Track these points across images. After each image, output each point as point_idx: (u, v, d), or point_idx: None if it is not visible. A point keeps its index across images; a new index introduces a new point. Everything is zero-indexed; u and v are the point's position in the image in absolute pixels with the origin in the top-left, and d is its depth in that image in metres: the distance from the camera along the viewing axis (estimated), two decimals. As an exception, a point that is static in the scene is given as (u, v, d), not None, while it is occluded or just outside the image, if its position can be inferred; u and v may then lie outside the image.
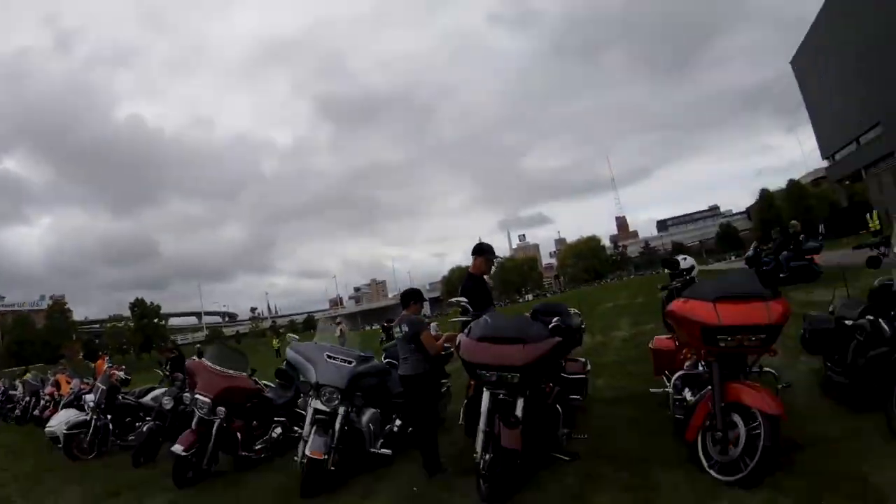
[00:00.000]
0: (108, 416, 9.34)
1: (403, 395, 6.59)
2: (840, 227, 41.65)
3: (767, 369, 5.48)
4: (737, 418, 4.34)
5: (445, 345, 6.24)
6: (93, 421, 9.18)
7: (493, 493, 4.72)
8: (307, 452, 5.72)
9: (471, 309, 5.69)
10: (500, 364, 4.87)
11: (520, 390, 4.97)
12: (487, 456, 4.85)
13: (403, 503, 5.21)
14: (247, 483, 6.53)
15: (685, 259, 6.80)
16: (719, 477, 4.30)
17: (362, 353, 6.78)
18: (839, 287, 5.90)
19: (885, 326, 4.71)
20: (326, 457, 5.76)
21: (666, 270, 6.41)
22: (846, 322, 5.46)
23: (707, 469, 4.41)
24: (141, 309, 77.61)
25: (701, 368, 5.21)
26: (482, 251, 6.53)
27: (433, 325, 6.62)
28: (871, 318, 4.98)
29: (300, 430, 6.31)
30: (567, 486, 4.85)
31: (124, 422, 9.58)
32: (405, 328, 5.84)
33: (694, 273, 6.55)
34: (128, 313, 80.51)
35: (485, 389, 5.06)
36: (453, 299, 6.09)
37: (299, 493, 5.71)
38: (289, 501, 5.74)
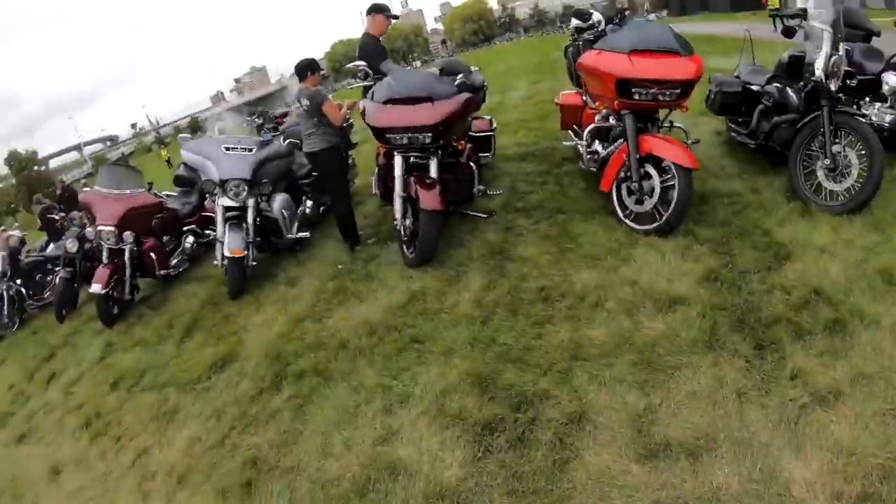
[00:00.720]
0: (18, 282, 8.88)
1: (312, 174, 6.61)
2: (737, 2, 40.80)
3: (678, 125, 5.75)
4: (651, 170, 4.64)
5: (347, 112, 5.96)
6: (3, 292, 8.64)
7: (419, 256, 4.95)
8: (225, 252, 5.70)
9: (370, 72, 5.54)
10: (410, 125, 4.78)
11: (433, 151, 5.00)
12: (408, 221, 5.03)
13: (332, 283, 5.37)
14: (174, 300, 6.58)
15: (594, 13, 6.68)
16: (635, 226, 4.72)
17: (261, 139, 6.50)
18: (746, 53, 6.10)
19: (793, 95, 5.05)
20: (246, 252, 5.80)
21: (574, 23, 6.24)
22: (752, 87, 5.74)
23: (622, 219, 4.82)
24: (17, 161, 72.57)
25: (612, 122, 5.25)
26: (379, 9, 6.10)
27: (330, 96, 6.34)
28: (779, 86, 5.33)
29: (213, 233, 6.18)
30: (488, 241, 5.15)
31: (35, 280, 9.19)
32: (305, 102, 5.52)
33: (603, 27, 6.47)
34: (5, 171, 75.27)
35: (396, 154, 5.01)
36: (351, 64, 5.85)
37: (228, 294, 5.82)
38: (219, 307, 5.87)
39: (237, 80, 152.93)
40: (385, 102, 4.91)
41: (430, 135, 4.78)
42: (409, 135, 4.81)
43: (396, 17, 6.53)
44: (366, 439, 3.18)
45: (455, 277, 4.69)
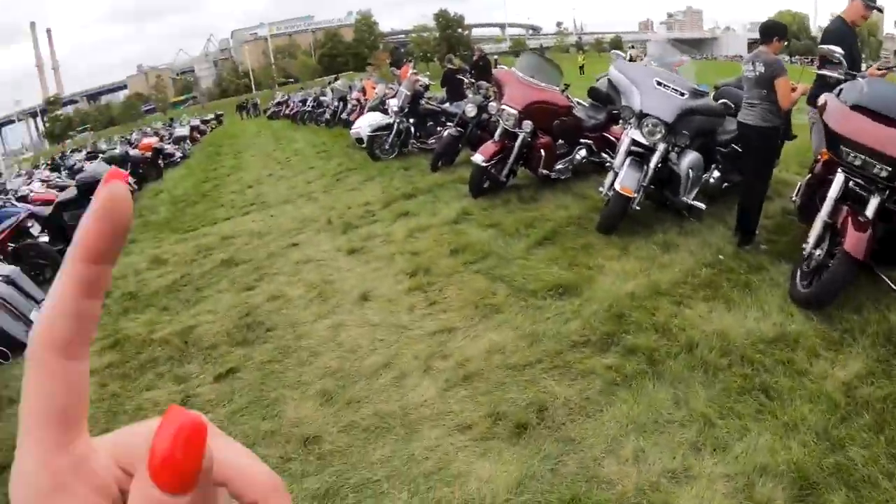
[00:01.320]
0: (411, 121, 10.56)
1: (733, 145, 6.19)
2: None
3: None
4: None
5: (797, 97, 5.37)
6: (395, 124, 10.48)
7: (814, 296, 4.26)
8: (616, 186, 5.65)
9: (846, 63, 4.79)
10: (875, 149, 4.04)
11: (882, 188, 4.15)
12: (819, 251, 4.35)
13: (706, 270, 5.01)
14: (543, 203, 6.89)
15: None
16: None
17: (697, 87, 6.24)
18: None
19: None
20: (636, 195, 5.66)
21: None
22: None
23: None
24: (445, 20, 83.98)
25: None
26: None
27: None
28: None
29: (607, 158, 6.38)
30: (889, 322, 4.08)
31: (426, 126, 10.83)
32: (760, 68, 5.08)
33: None
34: (433, 24, 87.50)
35: (839, 171, 4.34)
36: (823, 46, 5.17)
37: (598, 226, 5.83)
38: (583, 232, 5.91)
39: (670, 15, 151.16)
40: (854, 108, 4.23)
41: (891, 169, 3.99)
42: (867, 158, 4.07)
43: (880, 10, 5.67)
44: (657, 463, 2.88)
45: (836, 343, 3.89)
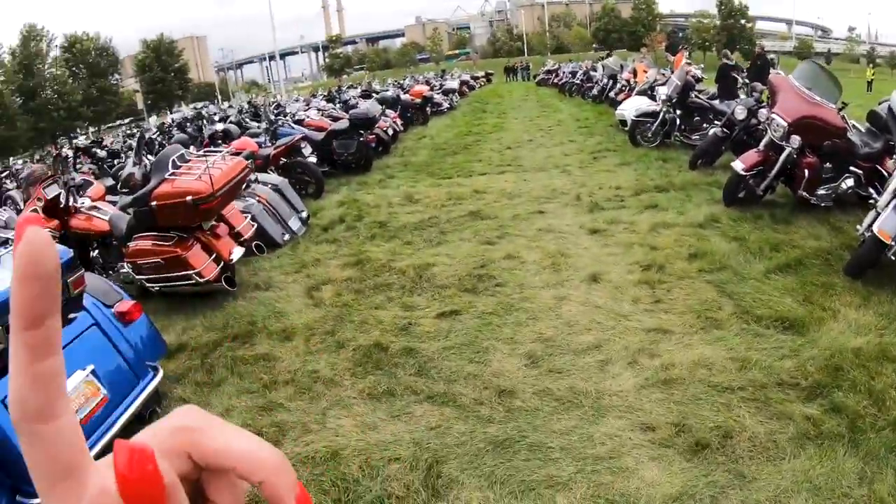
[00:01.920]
0: (677, 112, 10.34)
1: None
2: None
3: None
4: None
5: None
6: (661, 113, 10.31)
7: None
8: (874, 227, 4.99)
9: None
10: None
11: None
12: None
13: None
14: (794, 226, 6.43)
15: None
16: None
17: None
18: None
19: None
20: (894, 243, 5.23)
21: None
22: None
23: None
24: (727, 8, 79.05)
25: None
26: None
27: None
28: None
29: (873, 193, 5.87)
30: None
31: (691, 121, 10.54)
32: None
33: None
34: (714, 11, 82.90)
35: None
36: None
37: (845, 267, 5.21)
38: (830, 270, 5.30)
39: None
40: None
41: None
42: None
43: None
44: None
45: None
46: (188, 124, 20.60)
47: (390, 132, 13.76)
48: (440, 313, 4.72)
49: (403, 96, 18.29)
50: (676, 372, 3.66)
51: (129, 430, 3.55)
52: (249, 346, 4.78)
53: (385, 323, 4.70)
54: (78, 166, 14.78)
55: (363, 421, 3.58)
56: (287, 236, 7.17)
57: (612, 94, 17.16)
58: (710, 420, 3.24)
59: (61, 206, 6.96)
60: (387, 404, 3.70)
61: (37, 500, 2.99)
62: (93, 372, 3.43)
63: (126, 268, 5.95)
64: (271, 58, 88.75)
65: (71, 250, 3.49)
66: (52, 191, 7.00)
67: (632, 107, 11.42)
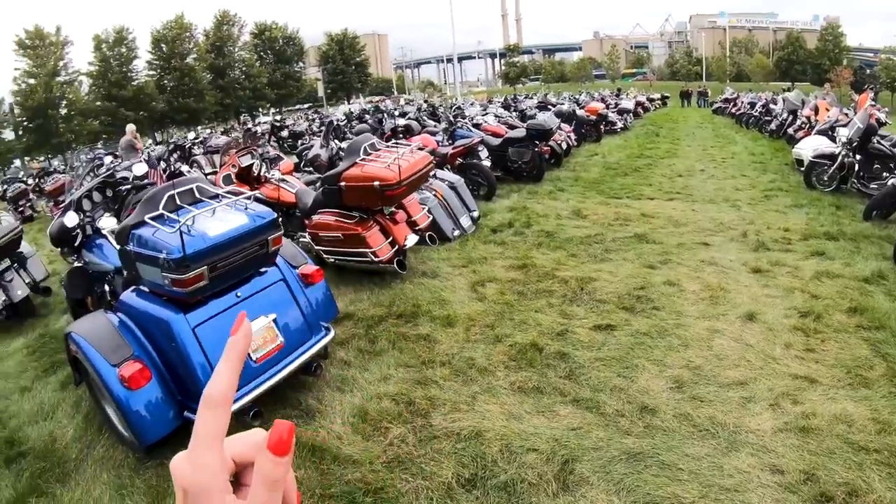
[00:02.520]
0: (857, 157, 9.67)
1: None
2: None
3: None
4: None
5: None
6: (840, 156, 9.72)
7: None
8: None
9: None
10: None
11: None
12: None
13: None
14: None
15: None
16: None
17: None
18: None
19: None
20: None
21: None
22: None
23: None
24: None
25: None
26: None
27: None
28: None
29: None
30: None
31: (871, 168, 9.85)
32: None
33: None
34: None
35: None
36: None
37: None
38: None
39: None
40: None
41: None
42: None
43: None
44: None
45: None
46: (367, 116, 21.53)
47: (564, 146, 13.97)
48: (596, 325, 4.89)
49: (579, 112, 18.38)
50: (816, 422, 3.61)
51: (294, 377, 4.00)
52: (412, 326, 5.13)
53: (543, 326, 4.92)
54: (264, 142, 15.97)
55: (509, 410, 3.81)
56: (457, 232, 7.54)
57: (790, 130, 16.41)
58: (839, 475, 3.20)
59: (253, 175, 7.67)
60: (534, 399, 3.92)
61: None
62: (274, 320, 3.84)
63: (306, 238, 6.49)
64: (448, 60, 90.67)
65: (274, 212, 3.93)
66: (246, 160, 7.73)
67: (809, 146, 10.95)
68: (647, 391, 3.93)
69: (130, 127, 14.76)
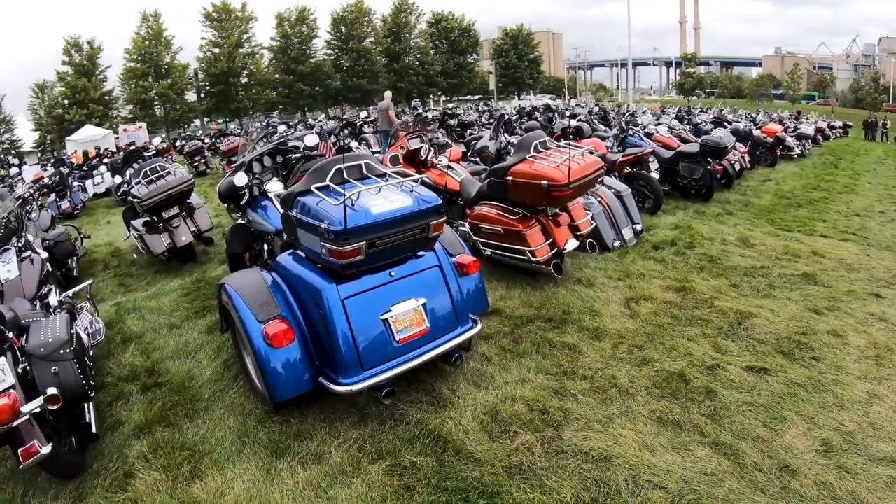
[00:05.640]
0: None
1: None
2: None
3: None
4: None
5: None
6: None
7: None
8: None
9: None
10: None
11: None
12: None
13: None
14: None
15: None
16: None
17: None
18: None
19: None
20: None
21: None
22: None
23: None
24: None
25: None
26: None
27: None
28: None
29: None
30: None
31: None
32: None
33: None
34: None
35: None
36: None
37: None
38: None
39: None
40: None
41: None
42: None
43: None
44: None
45: None
46: (536, 113, 21.31)
47: (737, 167, 13.19)
48: (749, 366, 4.53)
49: (755, 132, 17.28)
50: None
51: (433, 364, 4.02)
52: (559, 332, 5.00)
53: (694, 356, 4.64)
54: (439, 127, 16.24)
55: (644, 440, 3.62)
56: (618, 243, 7.30)
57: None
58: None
59: (420, 158, 7.74)
60: (671, 433, 3.71)
61: (336, 387, 3.51)
62: (424, 305, 3.84)
63: (465, 227, 6.47)
64: (622, 65, 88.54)
65: (440, 198, 3.92)
66: (415, 143, 7.83)
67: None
68: (792, 448, 3.60)
69: (388, 94, 15.71)
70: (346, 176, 3.85)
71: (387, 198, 3.69)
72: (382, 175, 4.02)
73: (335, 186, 3.72)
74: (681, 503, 3.10)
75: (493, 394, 4.11)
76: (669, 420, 3.83)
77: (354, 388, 3.49)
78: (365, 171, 3.99)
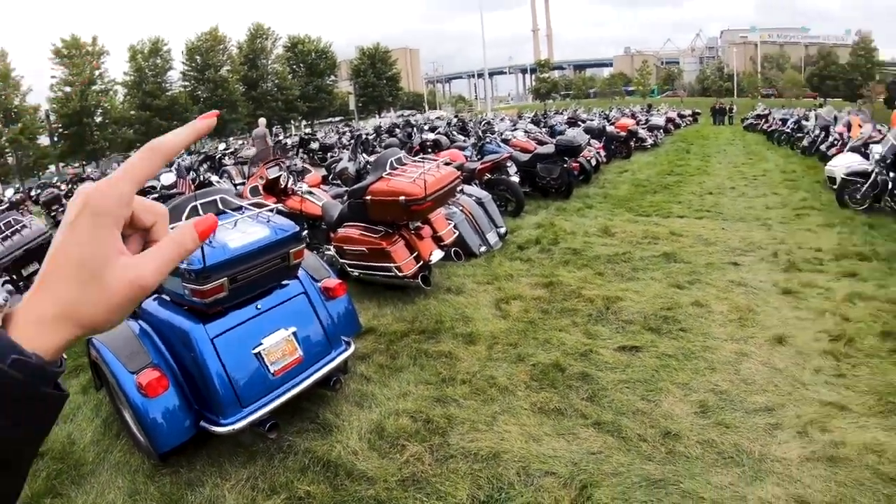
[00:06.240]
0: (891, 175, 9.44)
1: None
2: None
3: None
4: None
5: None
6: (873, 174, 9.49)
7: None
8: None
9: None
10: None
11: None
12: None
13: None
14: None
15: None
16: None
17: None
18: None
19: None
20: None
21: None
22: None
23: None
24: None
25: None
26: None
27: None
28: None
29: None
30: None
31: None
32: None
33: None
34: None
35: None
36: None
37: None
38: None
39: None
40: None
41: None
42: None
43: None
44: None
45: None
46: (397, 130, 21.65)
47: (593, 162, 13.87)
48: (621, 346, 4.78)
49: (609, 128, 18.21)
50: (845, 451, 3.49)
51: (312, 391, 3.99)
52: (434, 342, 5.08)
53: (567, 345, 4.83)
54: (296, 154, 16.20)
55: (529, 432, 3.73)
56: (484, 248, 7.47)
57: (822, 147, 16.20)
58: (869, 508, 3.09)
59: (281, 186, 7.69)
60: (554, 421, 3.84)
61: (218, 428, 3.44)
62: (294, 333, 3.83)
63: (331, 250, 6.47)
64: (479, 75, 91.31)
65: (297, 225, 3.94)
66: (274, 172, 7.76)
67: (842, 164, 10.71)
68: (671, 415, 3.82)
69: (262, 121, 15.44)
70: (201, 213, 3.78)
71: (243, 231, 3.68)
72: (238, 208, 3.99)
73: (190, 225, 3.66)
74: (573, 484, 3.21)
75: (376, 411, 4.12)
76: (551, 409, 3.97)
77: (236, 426, 3.43)
78: (220, 206, 3.97)
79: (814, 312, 5.50)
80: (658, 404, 3.95)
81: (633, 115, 26.41)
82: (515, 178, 10.55)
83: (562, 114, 27.23)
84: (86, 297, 0.48)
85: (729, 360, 4.54)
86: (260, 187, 7.69)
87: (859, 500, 3.11)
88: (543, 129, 17.79)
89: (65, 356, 0.51)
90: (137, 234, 0.54)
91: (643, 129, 22.33)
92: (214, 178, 10.98)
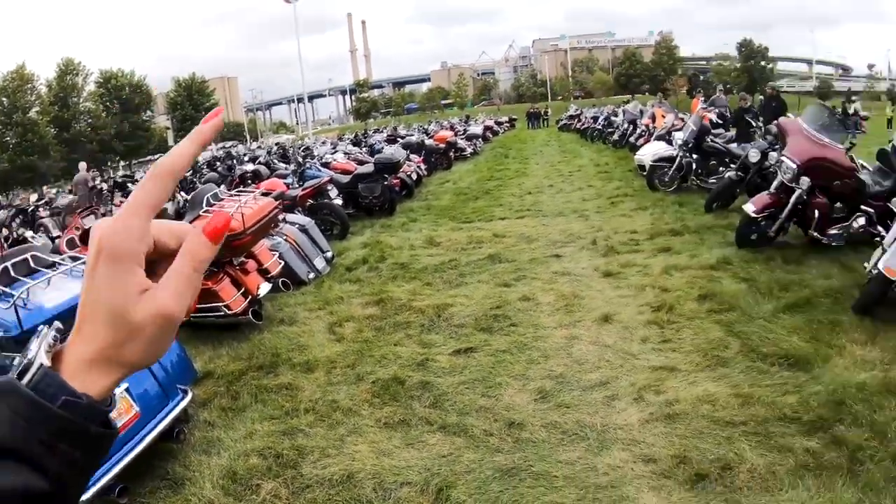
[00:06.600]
0: (694, 156, 10.49)
1: None
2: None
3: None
4: None
5: None
6: (678, 157, 10.51)
7: None
8: (880, 265, 4.91)
9: None
10: None
11: None
12: None
13: None
14: (805, 266, 6.41)
15: None
16: None
17: None
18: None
19: None
20: None
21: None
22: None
23: None
24: (748, 49, 79.96)
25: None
26: None
27: None
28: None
29: (884, 231, 5.81)
30: None
31: (708, 165, 10.62)
32: None
33: None
34: (734, 53, 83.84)
35: None
36: None
37: (853, 305, 5.15)
38: (839, 309, 5.25)
39: None
40: None
41: None
42: None
43: None
44: None
45: None
46: (218, 163, 21.11)
47: (414, 176, 14.15)
48: (456, 350, 4.94)
49: (428, 141, 18.67)
50: (680, 407, 3.78)
51: (156, 446, 3.83)
52: (273, 376, 5.00)
53: (403, 358, 4.92)
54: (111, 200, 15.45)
55: (378, 447, 3.77)
56: (312, 275, 7.42)
57: (632, 139, 17.46)
58: (710, 453, 3.35)
59: (97, 236, 7.31)
60: (401, 433, 3.90)
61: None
62: (127, 390, 3.67)
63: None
64: (300, 100, 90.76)
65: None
66: (90, 221, 7.35)
67: (650, 152, 11.70)
68: (513, 407, 3.99)
69: (83, 164, 14.95)
70: (13, 274, 3.58)
71: (60, 288, 3.53)
72: (52, 265, 3.77)
73: (2, 288, 3.46)
74: (430, 489, 3.28)
75: (225, 456, 3.99)
76: (396, 421, 4.03)
77: (83, 497, 3.21)
78: (33, 265, 3.74)
79: (635, 289, 5.93)
80: (499, 399, 4.12)
81: (451, 127, 27.21)
82: (338, 201, 10.57)
83: (381, 132, 27.56)
84: (120, 338, 0.49)
85: (561, 346, 4.81)
86: (76, 239, 7.28)
87: (701, 447, 3.39)
88: (364, 149, 17.94)
89: (114, 394, 0.53)
90: (167, 260, 0.53)
91: (462, 139, 23.04)
92: (29, 233, 10.24)
